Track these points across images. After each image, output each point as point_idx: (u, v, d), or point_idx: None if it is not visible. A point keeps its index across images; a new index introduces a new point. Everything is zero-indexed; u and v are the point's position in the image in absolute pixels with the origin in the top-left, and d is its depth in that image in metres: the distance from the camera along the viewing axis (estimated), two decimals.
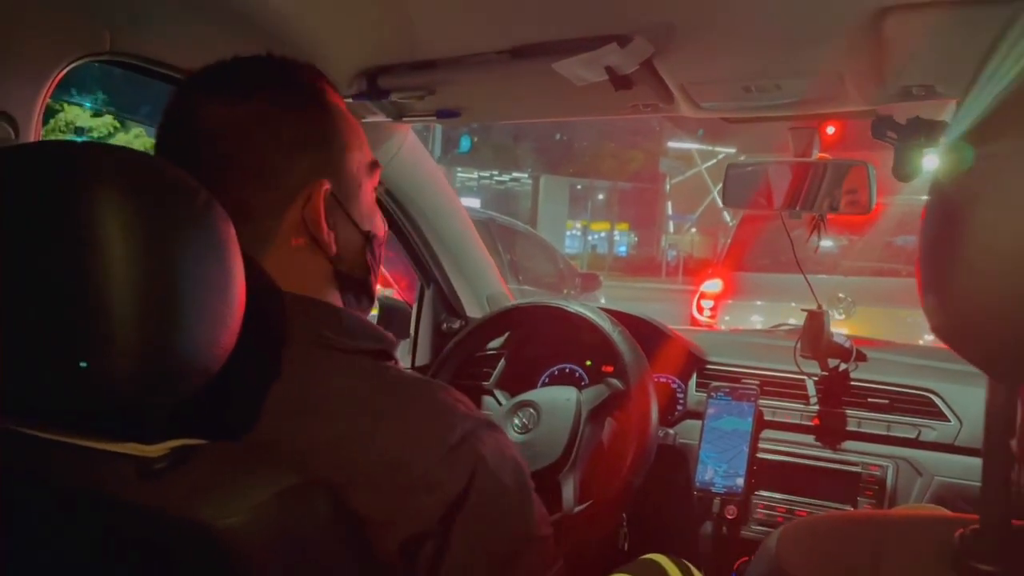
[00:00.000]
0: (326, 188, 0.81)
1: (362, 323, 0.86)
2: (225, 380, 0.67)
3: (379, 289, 1.00)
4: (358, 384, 0.77)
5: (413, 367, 1.90)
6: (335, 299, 0.86)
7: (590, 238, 31.21)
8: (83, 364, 0.57)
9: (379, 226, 0.92)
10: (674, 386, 1.69)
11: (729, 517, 1.51)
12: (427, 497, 0.71)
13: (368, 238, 0.89)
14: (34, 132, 0.98)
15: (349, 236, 0.86)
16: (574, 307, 1.52)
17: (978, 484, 0.49)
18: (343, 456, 0.71)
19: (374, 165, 0.91)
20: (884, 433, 1.49)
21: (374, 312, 1.78)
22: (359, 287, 0.89)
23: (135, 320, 0.58)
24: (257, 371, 0.74)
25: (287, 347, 0.77)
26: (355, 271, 0.88)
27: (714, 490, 1.52)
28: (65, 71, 1.01)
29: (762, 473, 1.54)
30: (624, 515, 1.46)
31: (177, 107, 0.82)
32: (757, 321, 4.86)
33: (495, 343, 1.74)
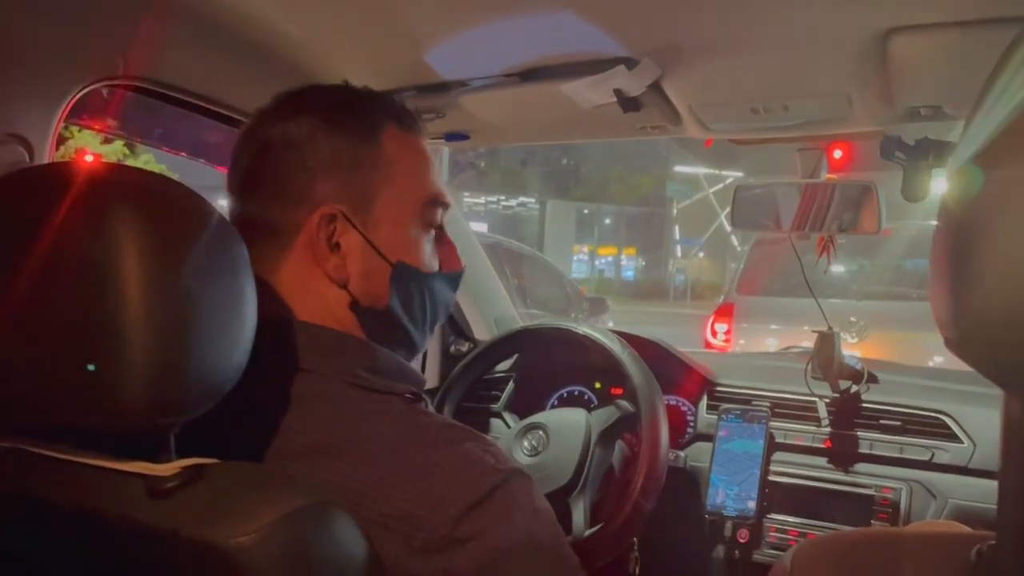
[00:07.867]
0: (334, 211, 0.80)
1: (398, 364, 0.84)
2: (244, 408, 0.67)
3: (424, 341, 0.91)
4: (386, 430, 0.75)
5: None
6: (356, 330, 0.83)
7: (597, 262, 31.22)
8: (90, 367, 0.58)
9: (422, 260, 0.86)
10: (684, 408, 1.68)
11: (741, 541, 1.50)
12: (451, 552, 0.68)
13: (400, 269, 0.84)
14: (48, 155, 0.99)
15: (370, 264, 0.83)
16: (583, 329, 1.52)
17: (992, 506, 0.48)
18: (365, 504, 0.69)
19: (434, 203, 0.87)
20: (897, 455, 1.48)
21: None
22: (383, 323, 0.85)
23: (147, 339, 0.58)
24: (279, 402, 0.75)
25: (320, 382, 0.77)
26: (377, 303, 0.84)
27: (726, 513, 1.51)
28: (79, 95, 1.03)
29: (774, 496, 1.53)
30: (635, 539, 1.44)
31: (247, 126, 0.86)
32: (771, 345, 4.83)
33: (503, 365, 1.74)
